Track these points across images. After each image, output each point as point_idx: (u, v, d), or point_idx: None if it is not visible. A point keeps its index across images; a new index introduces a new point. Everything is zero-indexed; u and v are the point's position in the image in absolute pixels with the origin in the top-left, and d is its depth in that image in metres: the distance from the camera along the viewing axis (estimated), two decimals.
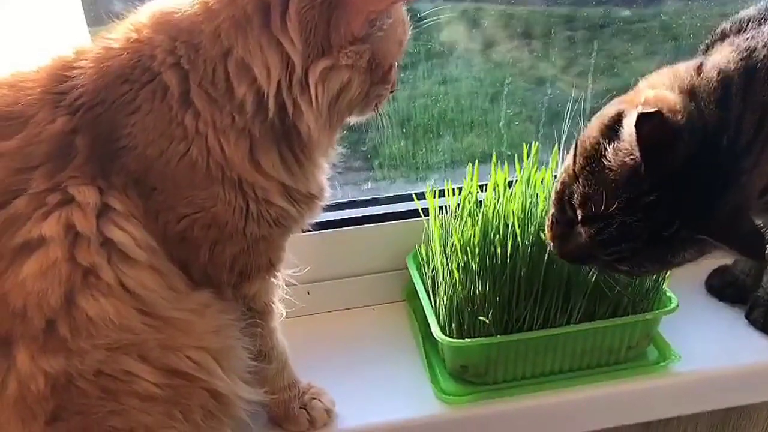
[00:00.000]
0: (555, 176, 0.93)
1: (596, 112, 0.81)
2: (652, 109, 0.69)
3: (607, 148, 0.74)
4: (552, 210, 0.83)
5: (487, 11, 1.48)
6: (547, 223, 0.84)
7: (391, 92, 0.78)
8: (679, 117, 0.72)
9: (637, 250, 0.75)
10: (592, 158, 0.76)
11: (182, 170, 0.68)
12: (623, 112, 0.75)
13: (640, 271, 0.80)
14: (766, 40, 0.79)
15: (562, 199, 0.80)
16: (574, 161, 0.78)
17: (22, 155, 0.66)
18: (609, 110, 0.78)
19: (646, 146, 0.69)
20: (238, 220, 0.73)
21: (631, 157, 0.71)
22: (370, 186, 1.20)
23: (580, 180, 0.77)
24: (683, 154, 0.71)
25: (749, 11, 0.86)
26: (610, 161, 0.73)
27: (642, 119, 0.69)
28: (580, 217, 0.77)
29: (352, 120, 0.79)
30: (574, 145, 0.81)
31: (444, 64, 1.37)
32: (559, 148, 0.91)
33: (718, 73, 0.76)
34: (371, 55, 0.70)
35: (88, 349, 0.66)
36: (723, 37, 0.86)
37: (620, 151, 0.73)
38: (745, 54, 0.78)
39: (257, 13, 0.66)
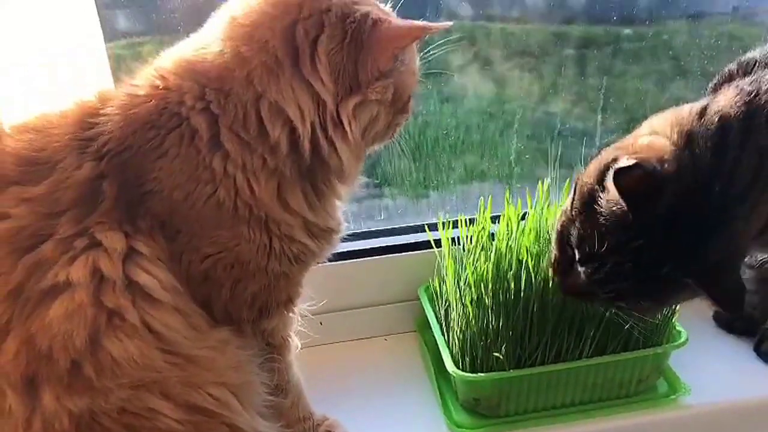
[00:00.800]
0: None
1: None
2: (631, 163, 0.71)
3: (600, 194, 0.76)
4: (554, 249, 0.85)
5: (488, 30, 1.51)
6: (550, 260, 0.86)
7: (406, 121, 0.82)
8: (666, 166, 0.74)
9: (631, 289, 0.77)
10: (587, 203, 0.78)
11: (208, 211, 0.70)
12: (618, 158, 0.77)
13: (639, 309, 0.83)
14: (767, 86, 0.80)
15: (562, 239, 0.82)
16: (572, 204, 0.81)
17: (50, 200, 0.67)
18: (606, 155, 0.80)
19: (628, 197, 0.72)
20: (261, 257, 0.74)
21: (618, 206, 0.74)
22: (382, 216, 1.22)
23: (576, 223, 0.79)
24: (669, 202, 0.73)
25: (755, 53, 0.88)
26: (601, 207, 0.76)
27: (618, 174, 0.72)
28: (577, 258, 0.79)
29: (374, 149, 0.82)
30: (573, 187, 0.83)
31: (446, 82, 1.39)
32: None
33: (719, 119, 0.78)
34: (395, 88, 0.73)
35: (113, 388, 0.67)
36: (730, 78, 0.88)
37: (608, 200, 0.75)
38: (747, 98, 0.79)
39: (287, 58, 0.68)
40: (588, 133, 1.44)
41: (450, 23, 0.73)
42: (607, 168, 0.77)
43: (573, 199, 0.81)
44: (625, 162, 0.72)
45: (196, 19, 1.09)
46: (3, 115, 0.74)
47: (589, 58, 1.47)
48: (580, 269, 0.79)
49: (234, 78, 0.68)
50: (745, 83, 0.82)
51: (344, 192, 0.81)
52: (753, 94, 0.79)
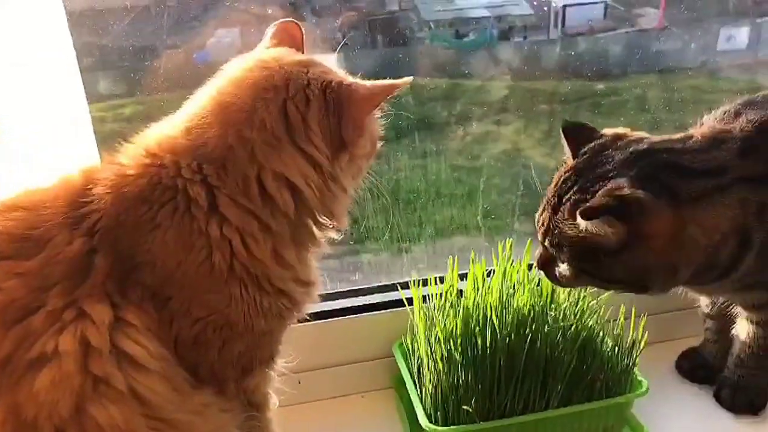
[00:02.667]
0: (530, 266, 1.02)
1: None
2: None
3: None
4: None
5: (463, 87, 1.59)
6: None
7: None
8: None
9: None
10: None
11: (200, 276, 0.74)
12: None
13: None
14: (741, 125, 0.90)
15: None
16: None
17: (41, 274, 0.71)
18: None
19: None
20: (250, 317, 0.78)
21: None
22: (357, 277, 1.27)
23: None
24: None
25: (729, 106, 0.96)
26: None
27: None
28: None
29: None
30: None
31: (422, 139, 1.46)
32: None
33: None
34: (370, 140, 0.84)
35: None
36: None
37: None
38: (716, 130, 0.90)
39: (284, 132, 0.76)
40: None
41: (410, 78, 0.81)
42: None
43: None
44: None
45: (176, 83, 1.16)
46: None
47: (564, 112, 1.55)
48: None
49: (237, 156, 0.75)
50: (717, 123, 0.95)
51: (322, 242, 0.86)
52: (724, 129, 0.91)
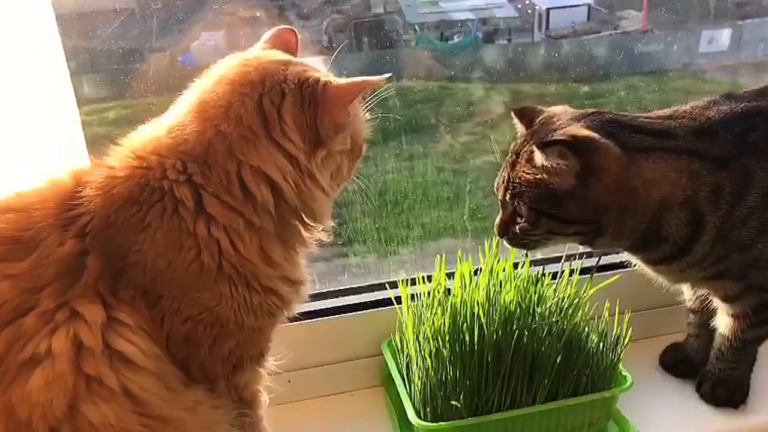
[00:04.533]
0: (515, 264, 1.04)
1: None
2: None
3: None
4: None
5: (448, 89, 1.60)
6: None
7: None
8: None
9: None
10: None
11: (190, 276, 0.75)
12: None
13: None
14: (705, 113, 0.95)
15: None
16: None
17: (33, 276, 0.72)
18: None
19: None
20: (240, 314, 0.79)
21: None
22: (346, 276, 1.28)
23: None
24: None
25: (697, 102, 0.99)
26: None
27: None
28: None
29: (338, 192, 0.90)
30: None
31: (409, 141, 1.47)
32: None
33: None
34: (351, 139, 0.84)
35: None
36: None
37: None
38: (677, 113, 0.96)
39: (260, 126, 0.77)
40: None
41: (388, 74, 0.81)
42: None
43: None
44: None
45: (161, 86, 1.17)
46: None
47: None
48: None
49: (217, 152, 0.76)
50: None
51: (310, 243, 0.87)
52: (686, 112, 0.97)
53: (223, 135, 0.76)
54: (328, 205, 0.86)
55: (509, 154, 0.98)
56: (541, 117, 0.98)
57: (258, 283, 0.80)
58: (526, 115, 1.00)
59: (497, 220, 0.99)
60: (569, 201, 0.91)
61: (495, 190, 0.99)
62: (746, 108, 0.94)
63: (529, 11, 1.78)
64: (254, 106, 0.77)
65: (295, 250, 0.84)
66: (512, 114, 1.02)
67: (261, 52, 0.85)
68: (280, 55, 0.84)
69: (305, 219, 0.83)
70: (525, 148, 0.95)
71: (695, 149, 0.92)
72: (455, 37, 1.72)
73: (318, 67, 0.85)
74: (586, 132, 0.91)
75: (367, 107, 0.88)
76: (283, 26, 0.89)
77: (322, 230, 0.87)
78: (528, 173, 0.93)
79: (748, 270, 0.96)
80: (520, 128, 1.01)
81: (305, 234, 0.85)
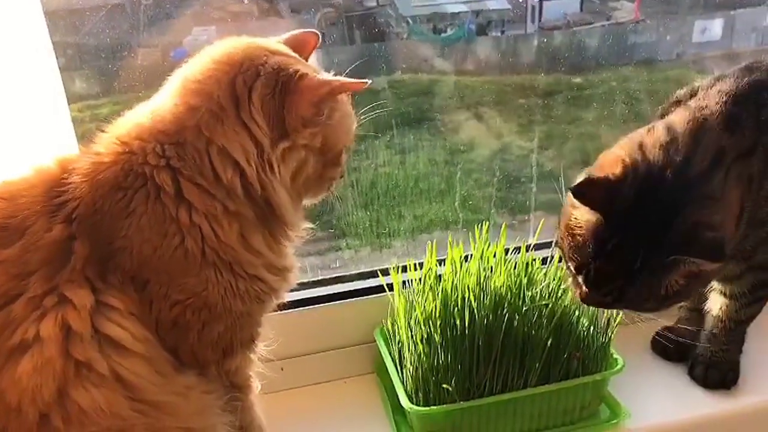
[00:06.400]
0: (506, 250, 1.04)
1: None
2: (581, 179, 0.84)
3: (575, 213, 0.88)
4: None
5: (441, 81, 1.60)
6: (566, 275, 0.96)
7: (341, 177, 0.89)
8: (617, 170, 0.85)
9: (624, 287, 0.86)
10: (569, 222, 0.89)
11: (176, 261, 0.76)
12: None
13: (644, 309, 0.91)
14: (716, 100, 0.91)
15: (564, 256, 0.93)
16: (559, 226, 0.92)
17: (20, 262, 0.72)
18: (577, 179, 0.90)
19: (590, 204, 0.84)
20: (227, 299, 0.79)
21: (590, 214, 0.85)
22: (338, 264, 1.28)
23: (564, 239, 0.90)
24: (625, 200, 0.84)
25: (701, 82, 0.98)
26: (579, 222, 0.87)
27: (575, 192, 0.84)
28: (573, 269, 0.89)
29: (312, 200, 0.89)
30: (560, 214, 0.94)
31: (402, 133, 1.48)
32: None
33: (665, 126, 0.89)
34: (323, 139, 0.81)
35: None
36: (677, 103, 0.98)
37: (581, 213, 0.87)
38: (695, 112, 0.91)
39: (230, 104, 0.76)
40: (543, 177, 1.53)
41: (367, 81, 0.80)
42: None
43: (560, 222, 0.92)
44: (577, 180, 0.85)
45: (153, 81, 1.17)
46: None
47: (542, 106, 1.57)
48: (579, 280, 0.89)
49: (187, 128, 0.75)
50: (692, 102, 0.94)
51: (293, 235, 0.87)
52: (700, 108, 0.91)
53: (193, 110, 0.76)
54: (293, 206, 0.83)
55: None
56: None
57: (242, 270, 0.80)
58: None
59: None
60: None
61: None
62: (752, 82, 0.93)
63: (523, 2, 1.78)
64: (227, 83, 0.76)
65: (279, 241, 0.84)
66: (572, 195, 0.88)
67: (259, 39, 0.83)
68: (276, 46, 0.83)
69: (275, 214, 0.81)
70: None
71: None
72: (448, 29, 1.72)
73: (314, 66, 0.84)
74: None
75: (359, 120, 0.86)
76: (308, 29, 0.87)
77: (294, 235, 0.86)
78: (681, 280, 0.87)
79: (758, 247, 0.95)
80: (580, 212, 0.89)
81: (289, 226, 0.84)
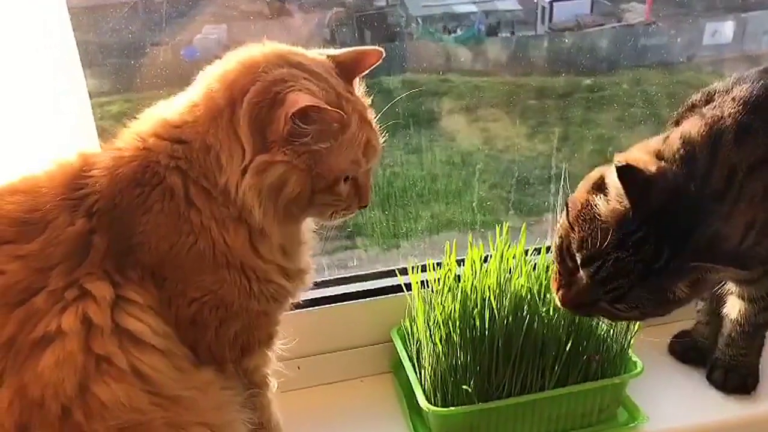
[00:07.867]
0: (526, 251, 1.03)
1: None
2: (625, 162, 0.82)
3: (597, 201, 0.85)
4: (554, 265, 0.92)
5: (451, 82, 1.60)
6: (552, 277, 0.93)
7: (362, 207, 0.84)
8: (651, 168, 0.84)
9: (633, 285, 0.84)
10: (584, 211, 0.87)
11: (191, 259, 0.75)
12: (604, 174, 0.87)
13: (641, 313, 0.88)
14: (730, 109, 0.89)
15: (562, 251, 0.90)
16: (568, 216, 0.89)
17: (42, 256, 0.72)
18: (593, 174, 0.91)
19: (631, 189, 0.81)
20: (243, 298, 0.79)
21: (619, 201, 0.83)
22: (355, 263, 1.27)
23: (575, 229, 0.87)
24: (660, 197, 0.82)
25: (717, 85, 0.96)
26: (600, 210, 0.85)
27: (621, 170, 0.81)
28: (579, 260, 0.86)
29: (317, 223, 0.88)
30: (565, 206, 0.91)
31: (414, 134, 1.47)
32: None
33: (681, 138, 0.88)
34: (312, 161, 0.75)
35: (101, 431, 0.71)
36: (692, 108, 0.97)
37: (610, 200, 0.84)
38: (710, 122, 0.89)
39: (227, 107, 0.74)
40: (553, 179, 1.52)
41: (341, 113, 0.74)
42: (597, 181, 0.87)
43: (567, 214, 0.90)
44: (622, 162, 0.82)
45: (164, 80, 1.16)
46: None
47: (552, 108, 1.56)
48: (582, 273, 0.86)
49: (193, 128, 0.75)
50: (707, 109, 0.92)
51: (307, 237, 0.86)
52: (716, 117, 0.89)
53: (194, 107, 0.76)
54: (270, 222, 0.77)
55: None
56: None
57: (254, 273, 0.79)
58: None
59: None
60: None
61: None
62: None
63: (534, 3, 1.78)
64: (229, 86, 0.75)
65: (292, 246, 0.83)
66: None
67: (293, 48, 0.80)
68: (299, 58, 0.78)
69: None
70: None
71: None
72: (458, 29, 1.72)
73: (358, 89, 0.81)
74: None
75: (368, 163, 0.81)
76: (373, 47, 0.83)
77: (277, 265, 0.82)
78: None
79: None
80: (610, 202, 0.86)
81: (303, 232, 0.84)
